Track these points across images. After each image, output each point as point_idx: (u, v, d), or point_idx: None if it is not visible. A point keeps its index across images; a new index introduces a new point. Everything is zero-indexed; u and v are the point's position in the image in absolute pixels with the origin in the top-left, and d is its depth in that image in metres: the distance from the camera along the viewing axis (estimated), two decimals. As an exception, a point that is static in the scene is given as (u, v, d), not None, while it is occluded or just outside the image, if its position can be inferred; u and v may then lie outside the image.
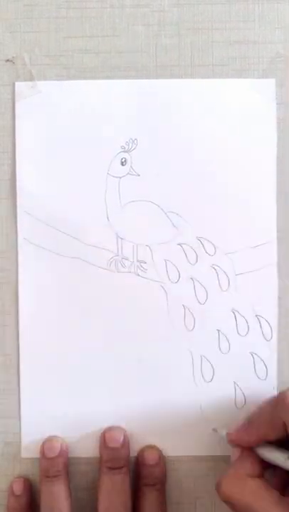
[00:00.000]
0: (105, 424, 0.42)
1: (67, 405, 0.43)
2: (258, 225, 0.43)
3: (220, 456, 0.43)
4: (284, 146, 0.43)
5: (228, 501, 0.36)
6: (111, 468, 0.41)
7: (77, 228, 0.42)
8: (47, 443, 0.42)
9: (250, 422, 0.38)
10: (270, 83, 0.43)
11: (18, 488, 0.42)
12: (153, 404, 0.43)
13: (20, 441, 0.43)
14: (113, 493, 0.40)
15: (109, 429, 0.42)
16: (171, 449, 0.43)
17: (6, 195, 0.43)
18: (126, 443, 0.42)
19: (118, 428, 0.42)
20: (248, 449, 0.38)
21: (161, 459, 0.42)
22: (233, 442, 0.39)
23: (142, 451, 0.42)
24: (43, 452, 0.42)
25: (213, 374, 0.43)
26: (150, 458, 0.42)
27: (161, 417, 0.43)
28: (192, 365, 0.43)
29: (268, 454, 0.37)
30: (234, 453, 0.39)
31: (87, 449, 0.43)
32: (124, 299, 0.43)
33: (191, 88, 0.42)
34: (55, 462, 0.41)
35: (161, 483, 0.42)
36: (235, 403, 0.43)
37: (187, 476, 0.43)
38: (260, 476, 0.37)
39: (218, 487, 0.37)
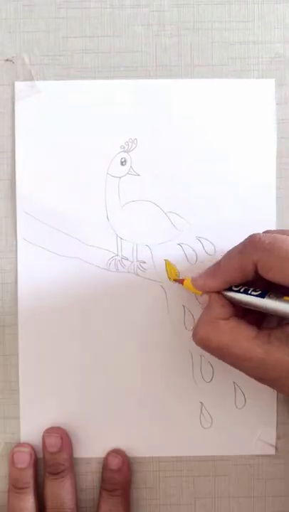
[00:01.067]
0: (105, 425, 0.43)
1: (67, 406, 0.43)
2: (258, 225, 0.43)
3: (220, 456, 0.43)
4: (284, 146, 0.43)
5: (205, 345, 0.37)
6: (51, 474, 0.41)
7: (77, 228, 0.42)
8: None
9: (217, 267, 0.38)
10: (269, 83, 0.43)
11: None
12: (153, 404, 0.43)
13: (20, 442, 0.43)
14: (58, 499, 0.41)
15: (48, 433, 0.42)
16: (171, 449, 0.43)
17: (6, 195, 0.43)
18: (65, 447, 0.41)
19: (57, 430, 0.42)
20: (217, 293, 0.38)
21: (125, 465, 0.42)
22: (200, 287, 0.38)
23: (107, 454, 0.42)
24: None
25: (213, 374, 0.43)
26: (113, 463, 0.42)
27: (161, 417, 0.43)
28: (192, 365, 0.43)
29: (238, 295, 0.37)
30: (203, 300, 0.38)
31: (86, 450, 0.43)
32: (124, 299, 0.42)
33: (191, 88, 0.42)
34: (24, 473, 0.41)
35: (122, 489, 0.41)
36: (235, 403, 0.43)
37: (187, 476, 0.43)
38: (233, 316, 0.37)
39: (194, 334, 0.37)
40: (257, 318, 0.39)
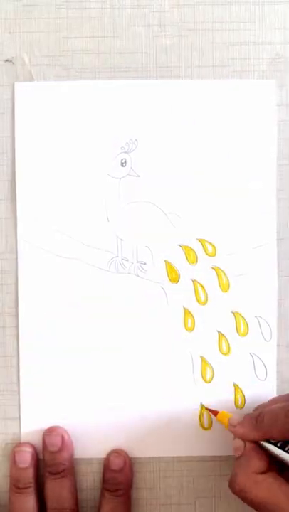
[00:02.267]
0: (106, 425, 0.43)
1: (67, 407, 0.43)
2: (258, 226, 0.43)
3: (220, 456, 0.43)
4: (284, 148, 0.43)
5: (243, 497, 0.37)
6: (51, 473, 0.41)
7: (77, 229, 0.42)
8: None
9: (260, 420, 0.38)
10: (270, 84, 0.43)
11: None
12: (153, 404, 0.43)
13: (20, 442, 0.43)
14: (59, 499, 0.41)
15: (48, 432, 0.42)
16: (171, 449, 0.43)
17: (6, 196, 0.42)
18: (66, 446, 0.41)
19: (57, 430, 0.42)
20: (253, 444, 0.38)
21: (127, 465, 0.42)
22: (238, 436, 0.39)
23: (108, 454, 0.42)
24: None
25: (213, 375, 0.43)
26: (115, 463, 0.42)
27: (161, 417, 0.43)
28: (192, 365, 0.43)
29: (277, 451, 0.37)
30: (237, 447, 0.38)
31: (87, 450, 0.43)
32: (124, 300, 0.43)
33: (191, 89, 0.42)
34: (26, 473, 0.41)
35: (124, 489, 0.42)
36: (235, 404, 0.43)
37: (187, 476, 0.43)
38: (270, 469, 0.37)
39: (232, 486, 0.37)
40: None
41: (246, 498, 0.37)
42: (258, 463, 0.37)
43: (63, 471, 0.41)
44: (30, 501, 0.41)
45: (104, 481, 0.42)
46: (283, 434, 0.36)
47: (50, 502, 0.41)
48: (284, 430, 0.36)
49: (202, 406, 0.43)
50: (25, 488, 0.41)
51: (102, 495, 0.42)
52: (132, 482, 0.42)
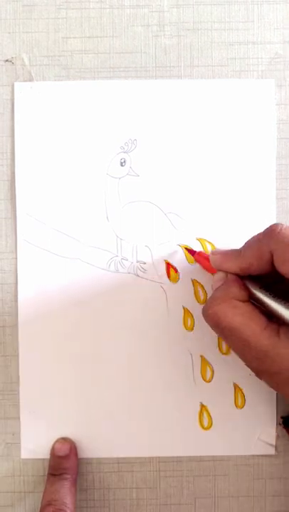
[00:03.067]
0: (105, 425, 0.43)
1: (67, 406, 0.43)
2: (258, 226, 0.43)
3: (220, 456, 0.43)
4: (283, 147, 0.43)
5: (215, 322, 0.36)
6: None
7: (77, 229, 0.42)
8: (57, 444, 0.42)
9: (236, 251, 0.38)
10: (269, 84, 0.43)
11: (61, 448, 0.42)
12: (153, 404, 0.43)
13: (20, 442, 0.43)
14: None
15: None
16: (171, 449, 0.43)
17: (6, 196, 0.43)
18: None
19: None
20: (234, 275, 0.38)
21: (72, 451, 0.42)
22: (217, 264, 0.38)
23: (53, 443, 0.42)
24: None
25: (213, 374, 0.43)
26: (61, 449, 0.42)
27: (161, 417, 0.43)
28: (192, 365, 0.43)
29: (259, 293, 0.37)
30: (219, 277, 0.38)
31: (87, 450, 0.43)
32: (124, 300, 0.43)
33: (191, 89, 0.42)
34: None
35: (70, 474, 0.41)
36: (235, 404, 0.43)
37: (187, 476, 0.43)
38: (247, 301, 0.37)
39: (206, 309, 0.37)
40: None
41: (220, 323, 0.36)
42: (237, 290, 0.37)
43: (65, 473, 0.41)
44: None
45: (49, 466, 0.42)
46: (256, 260, 0.36)
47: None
48: (256, 255, 0.36)
49: (201, 404, 0.43)
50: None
51: (47, 480, 0.42)
52: (77, 468, 0.42)
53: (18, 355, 0.42)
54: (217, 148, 0.43)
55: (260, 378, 0.37)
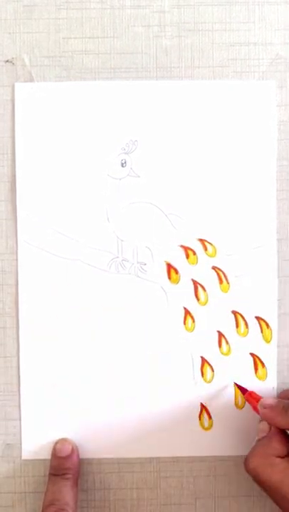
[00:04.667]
0: (106, 425, 0.43)
1: (68, 407, 0.43)
2: (258, 227, 0.43)
3: (220, 456, 0.43)
4: (284, 148, 0.43)
5: (255, 476, 0.37)
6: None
7: (77, 230, 0.42)
8: (59, 443, 0.42)
9: (287, 402, 0.38)
10: (270, 85, 0.43)
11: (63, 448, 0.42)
12: (153, 404, 0.43)
13: (20, 443, 0.43)
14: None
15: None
16: (171, 449, 0.43)
17: (6, 197, 0.42)
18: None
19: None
20: (279, 429, 0.38)
21: (74, 452, 0.42)
22: (267, 419, 0.39)
23: (55, 444, 0.42)
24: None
25: (213, 375, 0.43)
26: (62, 450, 0.42)
27: (161, 417, 0.43)
28: (192, 366, 0.43)
29: None
30: (262, 429, 0.39)
31: (87, 450, 0.43)
32: (125, 301, 0.43)
33: (191, 90, 0.42)
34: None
35: (72, 474, 0.41)
36: (235, 404, 0.43)
37: (187, 476, 0.43)
38: (288, 455, 0.37)
39: (246, 464, 0.38)
40: None
41: (259, 479, 0.37)
42: (278, 446, 0.37)
43: (67, 473, 0.41)
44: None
45: (51, 467, 0.42)
46: None
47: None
48: None
49: (201, 404, 0.43)
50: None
51: (48, 480, 0.41)
52: (79, 468, 0.42)
53: (18, 356, 0.42)
54: (218, 149, 0.43)
55: None
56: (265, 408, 0.39)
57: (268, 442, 0.38)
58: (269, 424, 0.39)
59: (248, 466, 0.38)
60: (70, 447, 0.42)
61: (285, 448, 0.37)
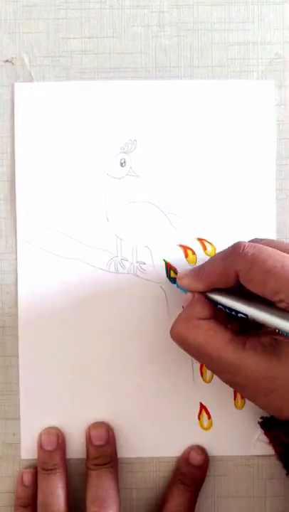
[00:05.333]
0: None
1: (67, 406, 0.43)
2: (258, 226, 0.43)
3: (220, 456, 0.43)
4: (283, 147, 0.43)
5: (181, 342, 0.38)
6: (97, 465, 0.41)
7: (77, 229, 0.42)
8: (44, 435, 0.42)
9: (201, 269, 0.38)
10: (269, 84, 0.43)
11: (27, 479, 0.42)
12: (153, 404, 0.43)
13: (20, 443, 0.43)
14: (100, 488, 0.40)
15: (94, 426, 0.42)
16: (171, 449, 0.43)
17: (5, 196, 0.43)
18: (111, 440, 0.42)
19: (103, 425, 0.42)
20: (199, 294, 0.38)
21: (206, 464, 0.42)
22: (185, 287, 0.39)
23: (189, 448, 0.43)
24: (40, 444, 0.42)
25: (213, 375, 0.43)
26: (196, 459, 0.42)
27: (161, 417, 0.43)
28: (192, 365, 0.43)
29: (220, 298, 0.37)
30: (186, 298, 0.39)
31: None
32: (124, 300, 0.43)
33: (191, 89, 0.42)
34: (53, 455, 0.41)
35: (196, 485, 0.42)
36: (235, 404, 0.43)
37: (187, 476, 0.43)
38: (212, 317, 0.38)
39: (172, 331, 0.38)
40: (237, 327, 0.39)
41: (185, 343, 0.37)
42: (200, 309, 0.37)
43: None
44: (58, 482, 0.41)
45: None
46: (221, 278, 0.37)
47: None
48: (221, 274, 0.37)
49: (201, 404, 0.43)
50: (53, 469, 0.41)
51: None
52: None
53: (18, 356, 0.42)
54: (217, 149, 0.43)
55: (236, 391, 0.37)
56: (182, 279, 0.39)
57: (191, 307, 0.38)
58: (190, 292, 0.39)
59: (173, 332, 0.38)
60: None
61: (206, 310, 0.37)
